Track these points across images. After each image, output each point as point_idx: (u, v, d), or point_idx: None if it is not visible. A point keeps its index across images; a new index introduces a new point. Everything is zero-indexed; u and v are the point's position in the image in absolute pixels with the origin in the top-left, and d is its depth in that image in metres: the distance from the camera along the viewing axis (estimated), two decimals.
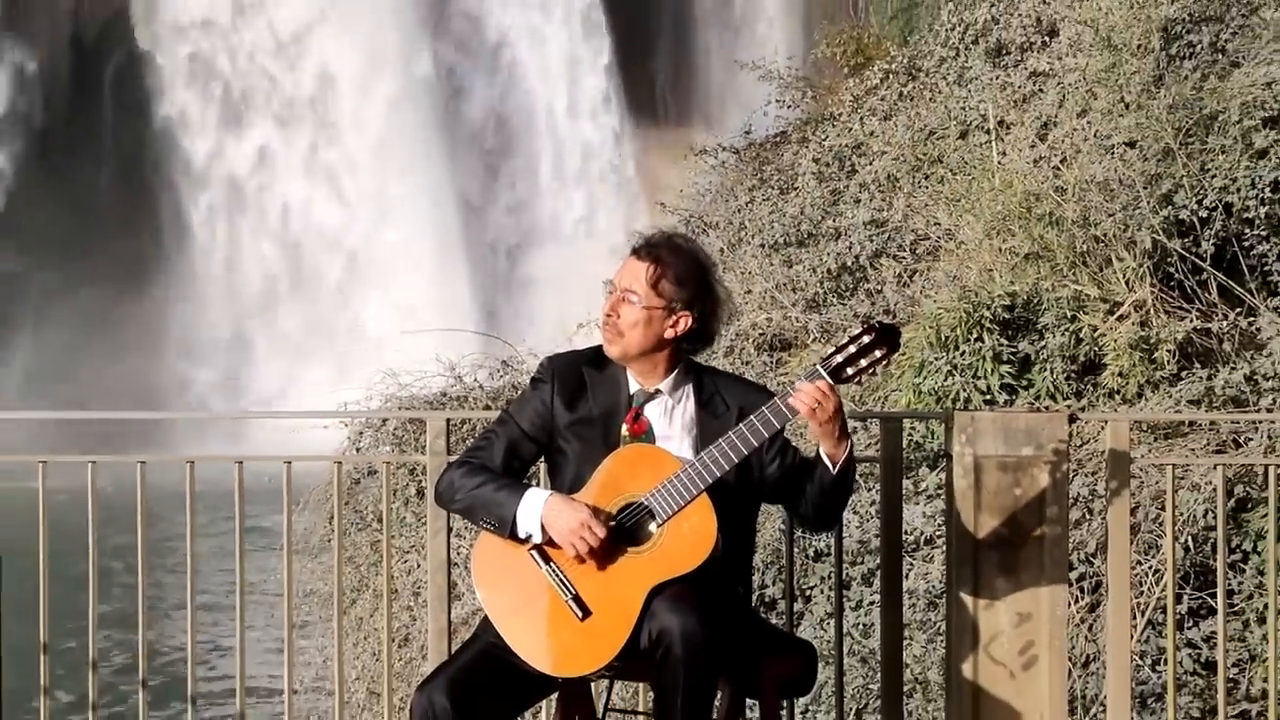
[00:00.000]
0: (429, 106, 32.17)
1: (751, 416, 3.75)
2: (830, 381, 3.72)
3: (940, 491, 5.26)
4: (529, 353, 9.95)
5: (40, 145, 31.66)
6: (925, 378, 8.00)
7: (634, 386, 3.90)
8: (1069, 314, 8.09)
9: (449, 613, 4.60)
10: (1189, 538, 6.62)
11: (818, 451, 3.85)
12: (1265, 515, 5.71)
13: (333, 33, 31.46)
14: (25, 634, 4.85)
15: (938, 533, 6.30)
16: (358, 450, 8.98)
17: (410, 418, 8.53)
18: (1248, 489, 6.48)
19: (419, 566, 4.74)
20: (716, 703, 3.77)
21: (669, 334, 3.88)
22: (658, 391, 3.89)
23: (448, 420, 4.69)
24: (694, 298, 3.90)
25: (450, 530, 4.63)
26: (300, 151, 31.60)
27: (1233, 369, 7.29)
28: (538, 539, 3.74)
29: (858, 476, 4.15)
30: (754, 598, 4.13)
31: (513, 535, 3.76)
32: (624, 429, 3.86)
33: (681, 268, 3.89)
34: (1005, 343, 7.98)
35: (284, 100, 31.79)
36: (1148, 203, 8.24)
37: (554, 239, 32.17)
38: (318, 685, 7.71)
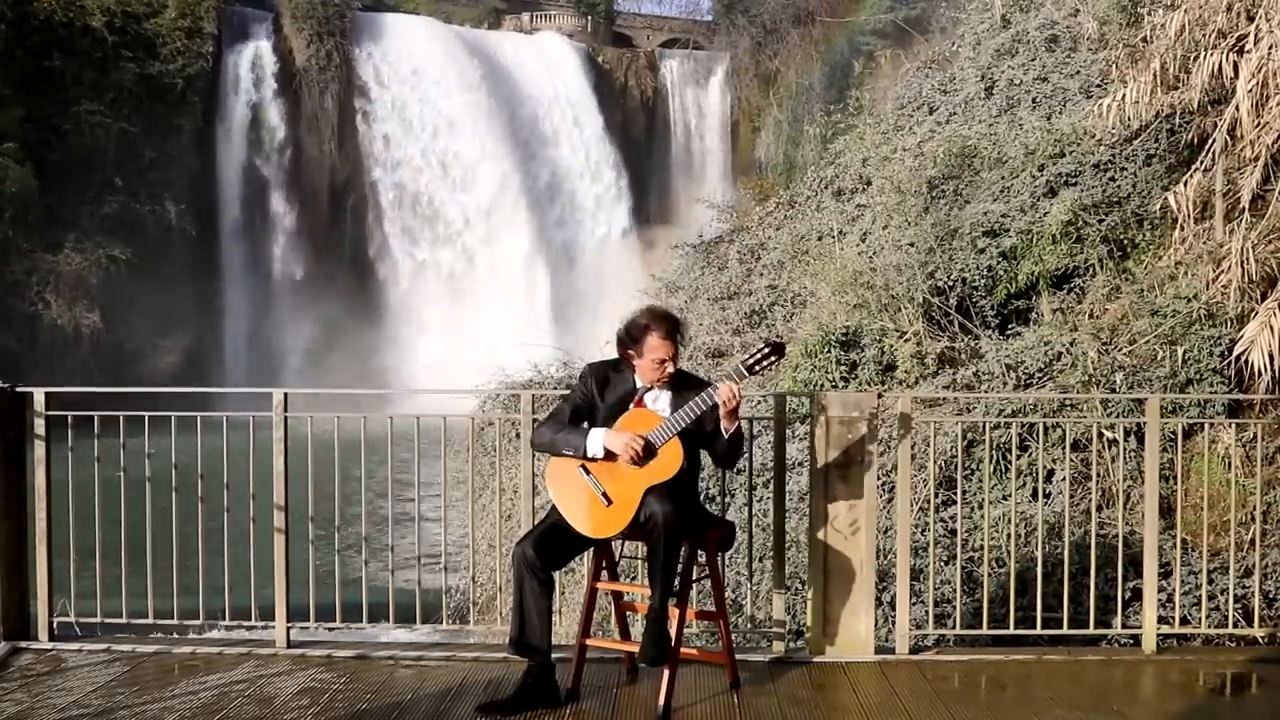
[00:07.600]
0: (537, 233, 32.59)
1: (696, 397, 3.72)
2: (740, 386, 3.66)
3: (807, 436, 5.23)
4: (578, 359, 9.91)
5: (314, 239, 31.79)
6: (799, 373, 7.98)
7: (639, 384, 3.85)
8: (878, 338, 8.07)
9: (534, 501, 4.56)
10: (942, 462, 6.62)
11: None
12: (983, 449, 5.69)
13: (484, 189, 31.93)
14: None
15: (806, 458, 6.26)
16: (483, 411, 8.92)
17: (511, 393, 8.48)
18: (974, 435, 6.46)
19: (516, 475, 4.68)
20: (681, 554, 3.75)
21: None
22: (651, 387, 3.85)
23: (533, 395, 4.66)
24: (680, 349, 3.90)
25: (534, 457, 4.59)
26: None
27: (966, 369, 7.28)
28: (600, 457, 3.67)
29: (761, 428, 4.12)
30: (702, 495, 4.07)
31: (582, 455, 3.70)
32: (632, 406, 3.83)
33: (683, 340, 3.86)
34: (843, 354, 7.96)
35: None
36: (920, 277, 8.23)
37: (596, 289, 32.30)
38: (462, 540, 7.64)
